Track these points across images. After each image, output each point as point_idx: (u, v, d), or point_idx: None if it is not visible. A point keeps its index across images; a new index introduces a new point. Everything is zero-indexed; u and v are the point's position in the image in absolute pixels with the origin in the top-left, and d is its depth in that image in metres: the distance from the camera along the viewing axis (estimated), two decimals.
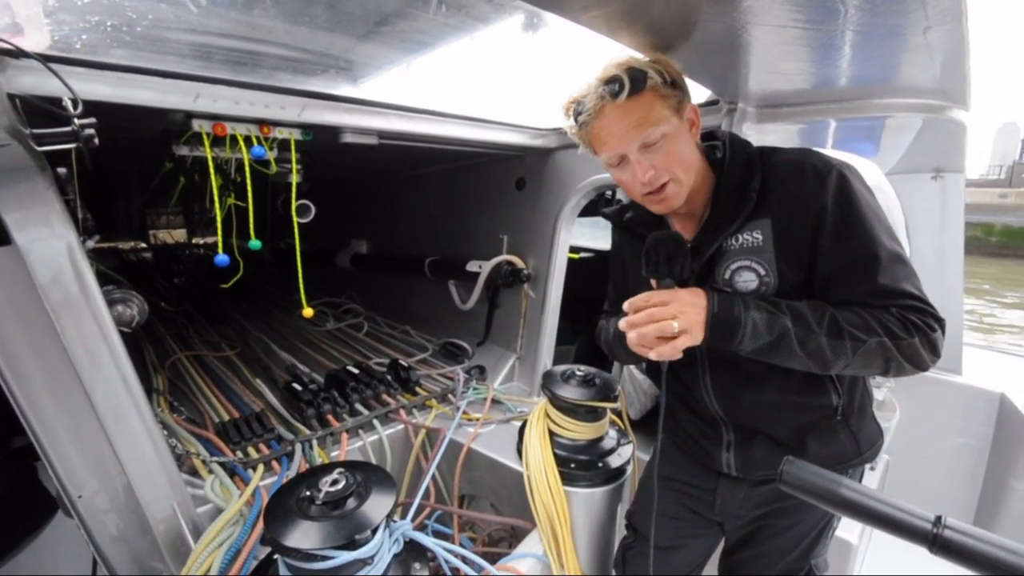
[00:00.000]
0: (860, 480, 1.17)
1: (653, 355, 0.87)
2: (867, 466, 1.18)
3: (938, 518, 0.54)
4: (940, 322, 0.88)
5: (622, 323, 0.90)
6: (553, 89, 1.81)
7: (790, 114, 1.46)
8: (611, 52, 1.02)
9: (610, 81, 0.91)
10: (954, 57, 0.99)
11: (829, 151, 1.06)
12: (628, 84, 0.90)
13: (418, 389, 1.88)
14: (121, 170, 3.11)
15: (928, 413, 2.25)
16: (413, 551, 1.04)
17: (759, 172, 0.98)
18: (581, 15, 0.92)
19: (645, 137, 0.92)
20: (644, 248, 0.96)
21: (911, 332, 0.84)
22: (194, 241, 4.89)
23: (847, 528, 1.57)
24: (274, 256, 4.20)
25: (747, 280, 0.98)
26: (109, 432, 0.92)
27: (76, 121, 0.73)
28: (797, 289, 0.96)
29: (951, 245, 1.98)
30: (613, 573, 1.43)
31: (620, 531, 1.46)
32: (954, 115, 1.28)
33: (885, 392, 2.16)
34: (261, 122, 1.23)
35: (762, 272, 0.97)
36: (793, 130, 1.63)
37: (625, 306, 0.92)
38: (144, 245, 4.60)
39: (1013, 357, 2.48)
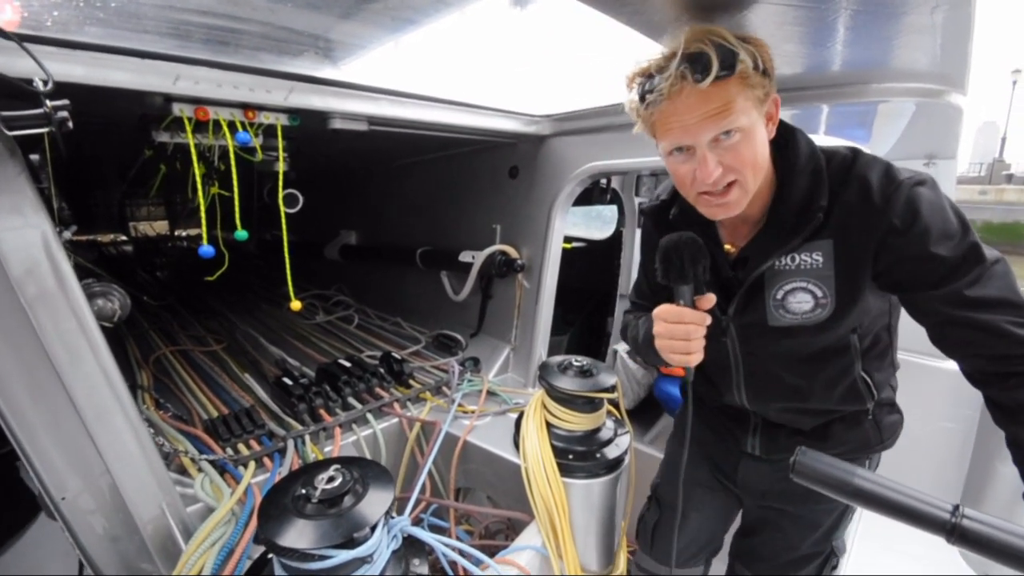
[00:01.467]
0: (878, 466, 1.19)
1: (676, 360, 0.93)
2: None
3: (956, 507, 0.53)
4: None
5: (657, 328, 0.94)
6: (544, 73, 1.78)
7: (783, 99, 1.44)
8: (603, 31, 0.97)
9: (695, 58, 0.78)
10: (957, 39, 0.97)
11: (826, 139, 1.04)
12: (716, 66, 0.77)
13: (411, 382, 1.85)
14: (98, 158, 2.99)
15: (915, 399, 2.27)
16: (411, 547, 1.02)
17: (827, 187, 0.89)
18: None
19: (720, 129, 0.81)
20: (659, 252, 0.92)
21: None
22: (176, 233, 4.78)
23: None
24: (260, 248, 4.12)
25: (801, 302, 0.95)
26: (92, 431, 0.88)
27: (48, 103, 0.68)
28: (856, 313, 0.94)
29: None
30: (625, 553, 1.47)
31: (619, 521, 1.46)
32: (952, 100, 1.27)
33: None
34: (245, 106, 1.18)
35: (819, 295, 0.93)
36: (785, 116, 1.62)
37: (658, 312, 0.94)
38: (124, 238, 4.48)
39: None
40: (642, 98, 0.86)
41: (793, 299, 0.95)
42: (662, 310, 0.93)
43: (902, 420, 1.14)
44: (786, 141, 0.94)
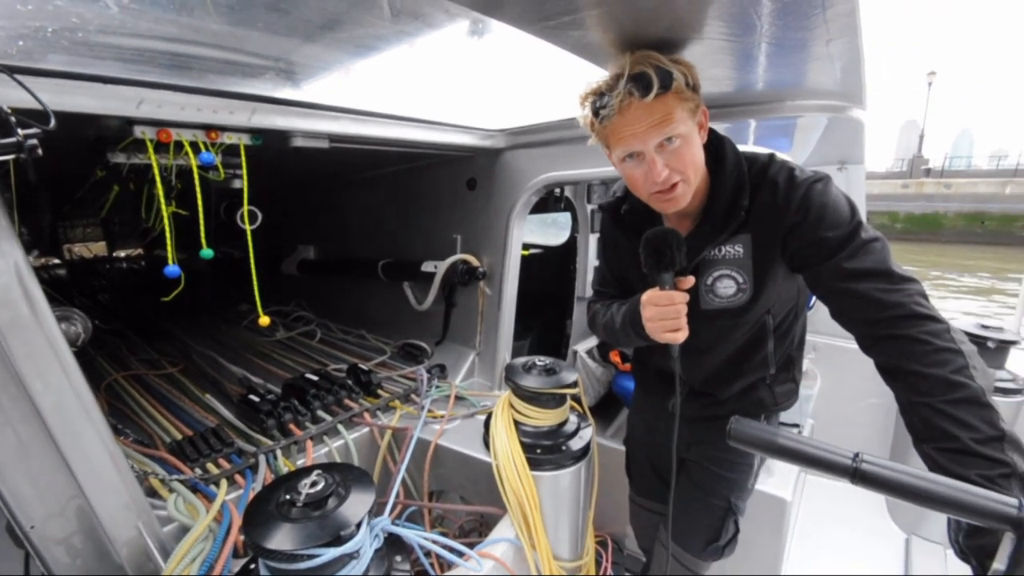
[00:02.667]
0: (776, 425, 1.40)
1: (667, 338, 1.04)
2: (783, 415, 1.40)
3: (856, 454, 0.65)
4: None
5: (648, 311, 1.05)
6: (499, 91, 1.87)
7: (717, 115, 1.60)
8: (554, 57, 1.08)
9: (638, 78, 0.91)
10: (852, 64, 1.13)
11: (753, 147, 1.19)
12: (656, 84, 0.90)
13: (380, 391, 1.88)
14: (28, 181, 2.84)
15: (845, 379, 2.53)
16: (392, 545, 1.07)
17: (748, 189, 1.04)
18: (529, 25, 0.96)
19: (664, 136, 0.94)
20: (642, 245, 1.03)
21: None
22: (115, 254, 4.53)
23: (780, 486, 1.75)
24: (214, 266, 3.98)
25: (727, 287, 1.11)
26: (66, 454, 0.87)
27: (20, 131, 0.70)
28: (769, 296, 1.11)
29: None
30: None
31: (586, 510, 1.55)
32: (854, 114, 1.46)
33: (808, 363, 2.41)
34: (208, 127, 1.20)
35: (740, 281, 1.10)
36: (720, 129, 1.79)
37: (648, 298, 1.05)
38: (57, 261, 4.21)
39: None
40: (596, 113, 0.99)
41: (720, 285, 1.11)
42: (653, 296, 1.04)
43: (797, 389, 1.34)
44: (716, 148, 1.10)
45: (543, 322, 3.08)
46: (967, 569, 0.74)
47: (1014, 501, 0.59)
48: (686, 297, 1.03)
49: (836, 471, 0.64)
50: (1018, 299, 3.24)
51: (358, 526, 0.88)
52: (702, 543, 1.38)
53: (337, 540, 0.84)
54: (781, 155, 1.09)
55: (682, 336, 1.04)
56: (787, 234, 1.02)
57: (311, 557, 0.82)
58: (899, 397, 0.88)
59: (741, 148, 1.10)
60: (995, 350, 2.13)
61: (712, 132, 1.10)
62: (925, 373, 0.83)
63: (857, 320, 0.95)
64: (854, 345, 0.98)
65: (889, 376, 0.91)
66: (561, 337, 3.05)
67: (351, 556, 0.87)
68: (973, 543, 0.72)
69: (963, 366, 0.82)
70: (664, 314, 1.03)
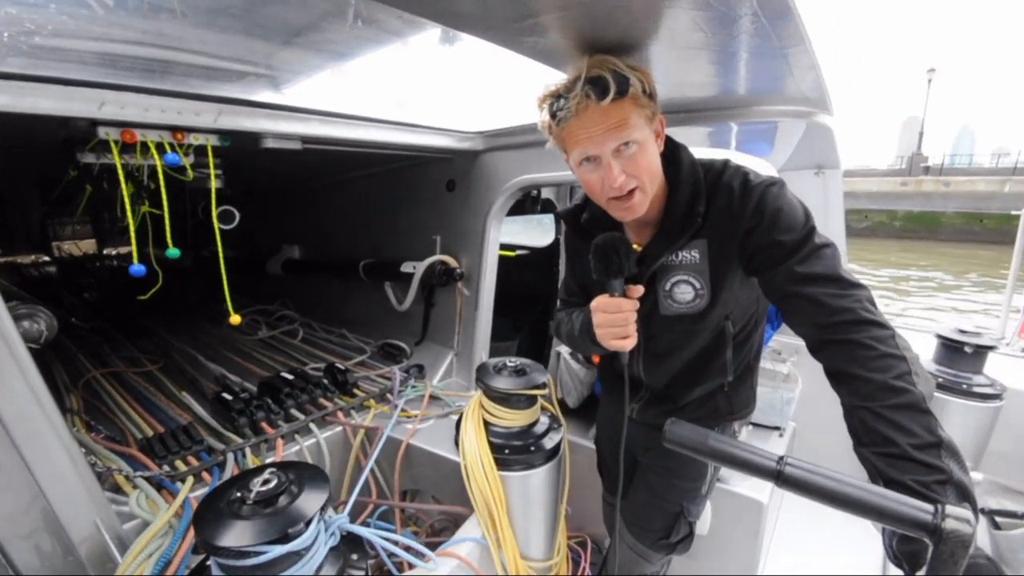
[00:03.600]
0: (733, 435, 1.40)
1: (615, 345, 1.05)
2: (739, 424, 1.40)
3: (781, 458, 0.66)
4: None
5: (596, 318, 1.05)
6: (476, 94, 1.89)
7: (699, 118, 1.61)
8: (529, 59, 1.09)
9: (595, 81, 0.91)
10: (812, 72, 1.15)
11: (735, 154, 1.20)
12: (614, 88, 0.90)
13: (356, 391, 1.89)
14: (15, 179, 2.85)
15: (826, 383, 2.54)
16: (352, 544, 1.08)
17: (704, 195, 1.05)
18: (490, 33, 0.96)
19: (620, 140, 0.94)
20: (592, 251, 1.04)
21: None
22: (105, 252, 4.54)
23: (757, 488, 1.77)
24: (197, 265, 3.99)
25: (684, 292, 1.12)
26: (24, 454, 0.88)
27: None
28: (727, 302, 1.12)
29: (834, 231, 2.24)
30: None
31: (558, 510, 1.56)
32: (821, 120, 1.48)
33: (789, 366, 2.42)
34: (174, 128, 1.21)
35: (698, 286, 1.11)
36: (704, 132, 1.81)
37: (597, 304, 1.06)
38: (47, 258, 4.22)
39: (901, 329, 2.84)
40: (553, 116, 0.99)
41: (678, 290, 1.12)
42: (601, 302, 1.05)
43: (754, 397, 1.36)
44: (673, 156, 1.10)
45: (531, 323, 3.09)
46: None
47: (930, 508, 0.60)
48: (635, 304, 1.04)
49: (761, 473, 0.66)
50: (1002, 304, 3.25)
51: (307, 523, 0.89)
52: (654, 538, 1.42)
53: (285, 537, 0.85)
54: (735, 161, 1.10)
55: (630, 344, 1.04)
56: (743, 238, 1.03)
57: (259, 554, 0.83)
58: (843, 401, 0.89)
59: (696, 154, 1.11)
60: (972, 355, 2.14)
61: (669, 140, 1.10)
62: (867, 377, 0.84)
63: (806, 323, 0.96)
64: None
65: (834, 380, 0.91)
66: (545, 338, 3.06)
67: (299, 554, 0.88)
68: (904, 549, 0.73)
69: (905, 372, 0.82)
70: (612, 321, 1.03)
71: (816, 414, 2.63)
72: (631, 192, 1.00)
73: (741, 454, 0.67)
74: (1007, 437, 2.13)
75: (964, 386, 2.08)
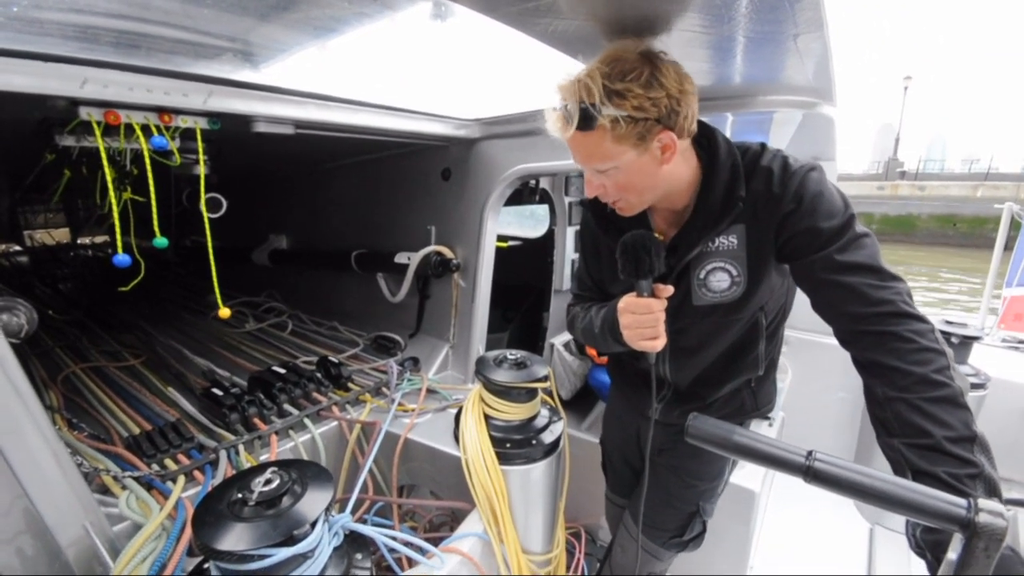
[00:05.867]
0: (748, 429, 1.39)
1: (644, 346, 1.02)
2: (760, 419, 1.37)
3: (810, 452, 0.65)
4: None
5: (624, 319, 1.02)
6: (473, 79, 1.83)
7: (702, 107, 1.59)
8: (528, 44, 1.05)
9: (564, 110, 0.91)
10: (821, 60, 1.13)
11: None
12: (576, 122, 0.89)
13: (350, 385, 1.84)
14: None
15: (815, 373, 2.58)
16: (354, 543, 1.05)
17: (743, 179, 1.01)
18: (494, 11, 0.92)
19: (595, 168, 0.95)
20: (619, 250, 1.00)
21: None
22: (80, 241, 4.37)
23: (749, 479, 1.78)
24: (180, 255, 3.87)
25: (720, 280, 1.07)
26: (6, 453, 0.83)
27: None
28: (763, 291, 1.08)
29: None
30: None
31: (558, 503, 1.54)
32: (824, 111, 1.47)
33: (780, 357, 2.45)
34: (161, 110, 1.14)
35: (735, 274, 1.06)
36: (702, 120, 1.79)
37: (626, 305, 1.03)
38: (18, 248, 4.04)
39: None
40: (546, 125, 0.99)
41: (713, 278, 1.07)
42: (630, 303, 1.02)
43: (775, 391, 1.33)
44: (708, 140, 1.06)
45: (522, 315, 3.07)
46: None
47: (963, 502, 0.60)
48: (664, 304, 1.00)
49: (790, 469, 0.64)
50: (982, 299, 3.35)
51: (313, 524, 0.85)
52: (666, 537, 1.40)
53: (290, 540, 0.82)
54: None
55: (659, 344, 1.01)
56: (781, 222, 1.00)
57: (263, 557, 0.80)
58: (874, 391, 0.88)
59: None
60: (959, 345, 2.20)
61: (702, 125, 1.05)
62: (906, 370, 0.83)
63: (842, 313, 0.94)
64: (826, 340, 0.98)
65: (867, 370, 0.90)
66: (538, 330, 3.04)
67: (305, 556, 0.85)
68: (929, 538, 0.73)
69: (945, 366, 0.82)
70: (641, 322, 1.00)
71: (804, 403, 2.68)
72: (614, 201, 1.02)
73: (769, 449, 0.66)
74: (991, 425, 2.19)
75: None
